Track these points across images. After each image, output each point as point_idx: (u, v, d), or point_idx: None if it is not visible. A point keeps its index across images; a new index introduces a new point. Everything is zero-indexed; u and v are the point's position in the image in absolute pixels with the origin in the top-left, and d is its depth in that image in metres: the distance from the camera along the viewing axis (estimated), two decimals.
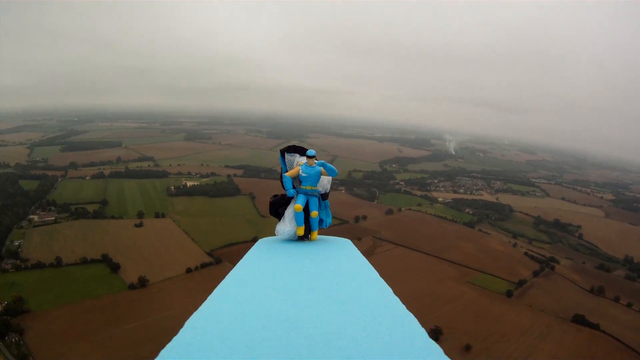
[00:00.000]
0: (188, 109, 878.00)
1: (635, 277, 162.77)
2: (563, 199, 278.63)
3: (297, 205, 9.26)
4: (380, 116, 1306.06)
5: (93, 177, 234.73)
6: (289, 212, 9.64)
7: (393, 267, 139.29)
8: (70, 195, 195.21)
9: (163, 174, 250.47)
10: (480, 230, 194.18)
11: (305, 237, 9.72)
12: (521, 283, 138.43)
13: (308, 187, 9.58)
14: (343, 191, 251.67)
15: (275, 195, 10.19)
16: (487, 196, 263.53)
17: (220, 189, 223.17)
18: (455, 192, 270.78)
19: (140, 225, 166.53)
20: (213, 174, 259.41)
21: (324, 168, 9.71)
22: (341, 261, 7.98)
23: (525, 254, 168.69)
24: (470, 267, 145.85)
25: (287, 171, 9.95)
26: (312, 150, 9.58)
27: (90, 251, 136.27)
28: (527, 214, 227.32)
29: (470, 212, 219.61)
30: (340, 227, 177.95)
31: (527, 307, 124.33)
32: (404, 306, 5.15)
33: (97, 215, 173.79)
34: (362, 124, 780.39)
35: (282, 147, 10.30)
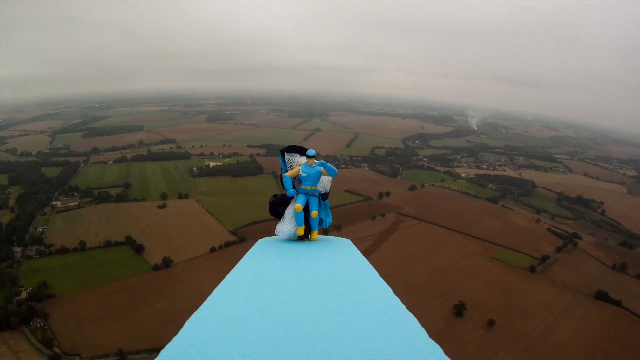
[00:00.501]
0: (210, 91, 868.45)
1: None
2: (586, 175, 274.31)
3: (297, 205, 9.34)
4: (404, 93, 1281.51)
5: (115, 161, 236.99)
6: (289, 212, 9.72)
7: (417, 242, 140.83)
8: (92, 180, 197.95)
9: (185, 156, 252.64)
10: (503, 206, 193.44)
11: (305, 237, 9.80)
12: (544, 259, 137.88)
13: (308, 187, 9.66)
14: (366, 168, 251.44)
15: (275, 195, 10.25)
16: (509, 172, 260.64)
17: (243, 169, 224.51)
18: (478, 168, 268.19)
19: (163, 206, 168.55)
20: (236, 153, 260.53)
21: (323, 168, 9.77)
22: (341, 261, 8.06)
23: (548, 229, 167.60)
24: (493, 243, 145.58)
25: (287, 171, 10.05)
26: (312, 150, 9.63)
27: (114, 234, 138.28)
28: (550, 190, 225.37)
29: (493, 188, 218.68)
30: (364, 204, 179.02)
31: (550, 282, 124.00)
32: (404, 306, 5.11)
33: (120, 198, 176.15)
34: (385, 101, 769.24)
35: (281, 147, 10.45)
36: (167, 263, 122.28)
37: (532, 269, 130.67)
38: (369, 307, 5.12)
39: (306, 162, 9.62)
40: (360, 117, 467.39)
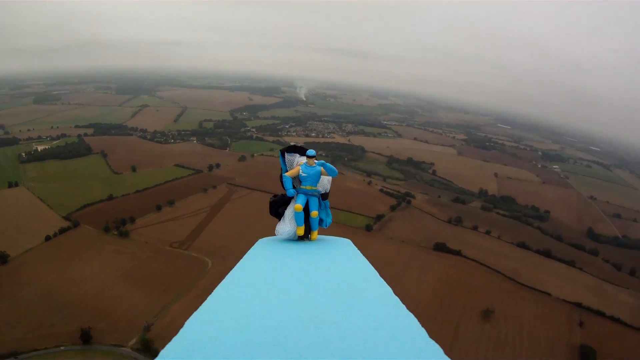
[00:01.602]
0: (36, 71, 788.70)
1: (491, 208, 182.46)
2: (415, 139, 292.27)
3: (297, 205, 8.95)
4: (233, 66, 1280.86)
5: None
6: (289, 212, 9.28)
7: (251, 210, 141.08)
8: None
9: (13, 141, 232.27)
10: None
11: (305, 237, 9.38)
12: (379, 217, 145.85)
13: (308, 187, 9.26)
14: (195, 141, 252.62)
15: (275, 195, 9.77)
16: (339, 139, 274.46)
17: (71, 150, 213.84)
18: (307, 136, 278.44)
19: None
20: (64, 135, 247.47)
21: (324, 168, 9.39)
22: (341, 261, 7.74)
23: (381, 190, 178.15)
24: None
25: (287, 171, 9.61)
26: (312, 150, 9.29)
27: None
28: (379, 154, 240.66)
29: (324, 155, 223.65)
30: (195, 177, 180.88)
31: (389, 239, 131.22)
32: (404, 306, 4.88)
33: None
34: (214, 75, 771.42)
35: (281, 148, 9.99)
36: (3, 259, 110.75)
37: (369, 228, 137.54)
38: (369, 307, 5.06)
39: (306, 162, 9.32)
40: (188, 92, 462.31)
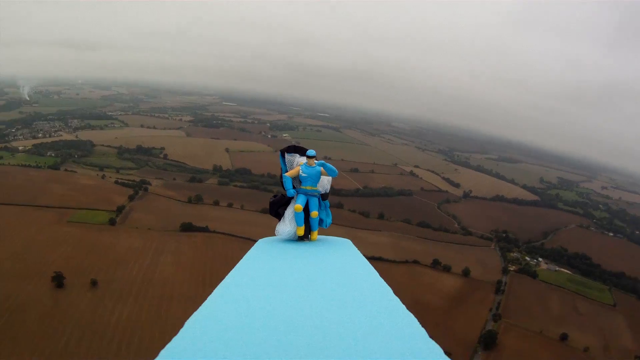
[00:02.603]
0: None
1: (228, 182, 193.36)
2: (142, 126, 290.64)
3: (297, 206, 9.19)
4: None
5: None
6: (289, 212, 9.55)
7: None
8: None
9: None
10: (66, 170, 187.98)
11: (305, 237, 9.64)
12: (120, 209, 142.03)
13: (308, 187, 9.50)
14: None
15: (275, 195, 10.03)
16: (67, 136, 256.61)
17: None
18: (34, 137, 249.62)
19: None
20: None
21: (324, 168, 9.57)
22: (341, 261, 8.00)
23: (116, 182, 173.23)
24: (67, 207, 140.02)
25: (287, 171, 9.80)
26: (312, 151, 9.44)
27: None
28: (109, 146, 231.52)
29: (53, 155, 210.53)
30: None
31: (134, 229, 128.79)
32: (404, 306, 5.08)
33: None
34: None
35: (281, 147, 10.28)
36: None
37: (113, 222, 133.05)
38: (369, 307, 5.13)
39: (306, 163, 9.49)
40: None
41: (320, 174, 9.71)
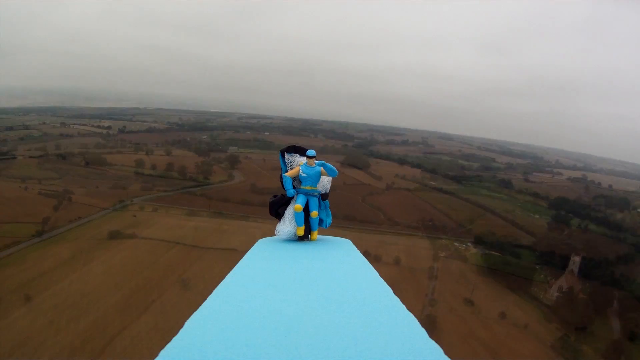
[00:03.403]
0: None
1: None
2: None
3: (297, 206, 9.17)
4: None
5: None
6: (289, 212, 9.51)
7: None
8: None
9: None
10: None
11: (305, 237, 9.58)
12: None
13: (308, 187, 9.46)
14: None
15: (275, 196, 9.91)
16: None
17: None
18: None
19: None
20: None
21: (324, 168, 9.47)
22: (341, 261, 7.96)
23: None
24: None
25: (287, 171, 9.72)
26: (312, 151, 9.35)
27: None
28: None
29: None
30: None
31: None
32: (404, 306, 4.94)
33: None
34: None
35: (281, 147, 10.13)
36: None
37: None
38: (369, 307, 5.05)
39: (306, 163, 9.42)
40: None
41: (320, 174, 9.66)
